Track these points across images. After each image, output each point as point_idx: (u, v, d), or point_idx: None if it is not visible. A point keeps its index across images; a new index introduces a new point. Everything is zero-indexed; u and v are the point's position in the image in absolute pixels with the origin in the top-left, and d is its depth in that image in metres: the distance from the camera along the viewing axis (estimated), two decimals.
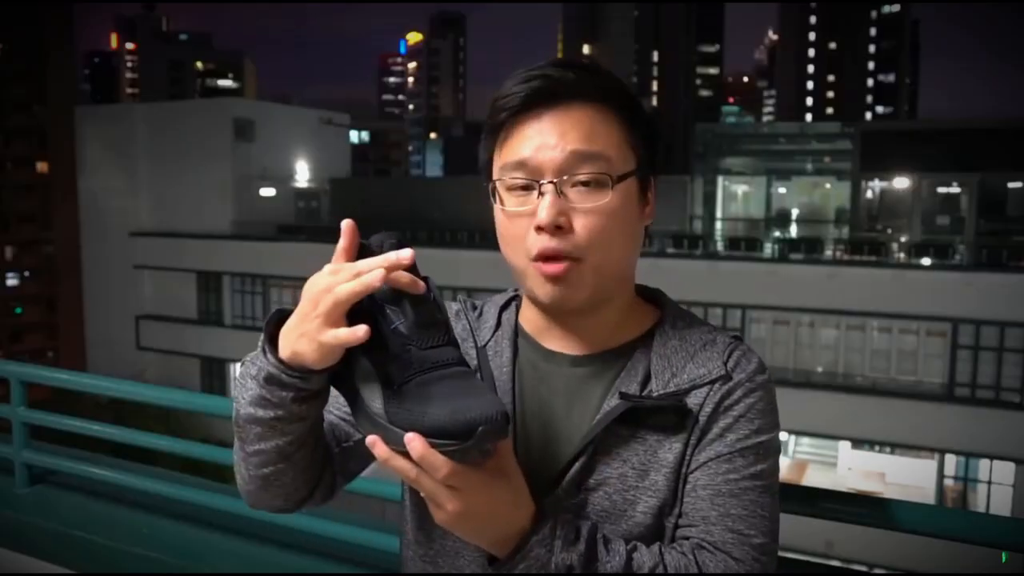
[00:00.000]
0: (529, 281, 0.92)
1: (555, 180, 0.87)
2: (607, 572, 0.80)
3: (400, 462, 0.76)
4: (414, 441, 0.73)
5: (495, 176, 0.93)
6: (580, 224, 0.88)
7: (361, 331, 0.76)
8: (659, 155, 0.97)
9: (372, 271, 0.77)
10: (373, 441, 0.77)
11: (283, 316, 0.85)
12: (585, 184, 0.88)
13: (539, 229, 0.88)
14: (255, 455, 0.89)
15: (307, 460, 0.92)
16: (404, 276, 0.79)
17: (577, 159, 0.87)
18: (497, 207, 0.93)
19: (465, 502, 0.77)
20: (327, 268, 0.81)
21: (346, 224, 0.82)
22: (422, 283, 0.81)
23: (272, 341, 0.84)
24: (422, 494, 0.79)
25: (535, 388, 0.97)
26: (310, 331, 0.79)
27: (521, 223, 0.90)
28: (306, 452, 0.91)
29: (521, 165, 0.89)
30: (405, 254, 0.79)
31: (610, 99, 0.91)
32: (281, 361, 0.82)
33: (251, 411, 0.86)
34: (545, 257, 0.88)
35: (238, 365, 0.89)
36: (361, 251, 0.86)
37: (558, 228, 0.87)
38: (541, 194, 0.88)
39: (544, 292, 0.90)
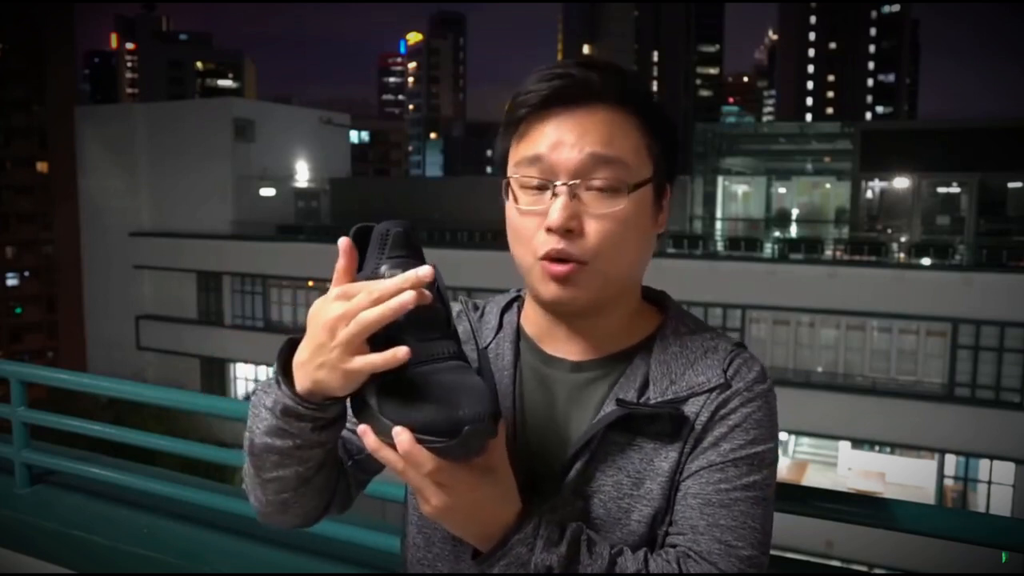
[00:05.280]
0: (534, 279, 0.90)
1: (569, 183, 0.86)
2: (588, 575, 0.79)
3: (388, 453, 0.76)
4: (401, 435, 0.73)
5: (510, 172, 0.91)
6: (592, 229, 0.86)
7: (402, 352, 0.73)
8: (677, 163, 0.95)
9: (401, 296, 0.74)
10: (364, 430, 0.77)
11: (294, 344, 0.83)
12: (600, 189, 0.86)
13: (549, 230, 0.86)
14: (273, 481, 0.89)
15: (324, 482, 0.92)
16: (427, 296, 0.76)
17: (594, 162, 0.85)
18: (509, 203, 0.91)
19: (450, 497, 0.77)
20: (333, 292, 0.77)
21: (343, 243, 0.78)
22: (430, 294, 0.78)
23: (286, 371, 0.83)
24: (409, 486, 0.79)
25: (535, 392, 0.96)
26: (331, 361, 0.76)
27: (532, 221, 0.88)
28: (324, 474, 0.91)
29: (536, 160, 0.87)
30: (425, 271, 0.76)
31: (632, 103, 0.88)
32: (296, 393, 0.81)
33: (267, 441, 0.85)
34: (552, 258, 0.87)
35: (251, 393, 0.87)
36: (365, 234, 0.85)
37: (569, 231, 0.86)
38: (555, 195, 0.86)
39: (548, 291, 0.89)
